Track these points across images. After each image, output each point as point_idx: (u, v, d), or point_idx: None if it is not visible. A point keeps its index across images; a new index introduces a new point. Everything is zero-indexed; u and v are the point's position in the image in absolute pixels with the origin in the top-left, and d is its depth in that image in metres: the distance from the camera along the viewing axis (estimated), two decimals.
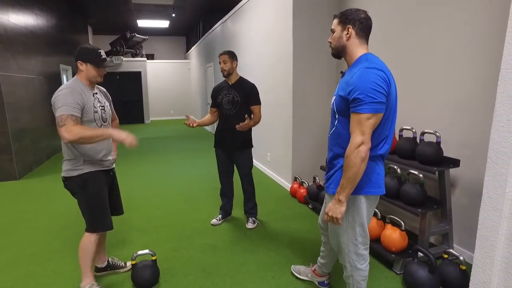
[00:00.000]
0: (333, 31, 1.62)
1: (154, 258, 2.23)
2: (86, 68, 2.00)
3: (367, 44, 1.60)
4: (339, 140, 1.60)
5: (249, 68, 5.53)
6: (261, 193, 4.07)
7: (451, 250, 2.17)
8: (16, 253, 2.71)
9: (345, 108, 1.52)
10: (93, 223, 2.07)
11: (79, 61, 1.99)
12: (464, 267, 2.07)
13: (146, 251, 2.22)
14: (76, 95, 1.92)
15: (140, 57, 12.05)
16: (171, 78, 13.07)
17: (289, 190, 4.11)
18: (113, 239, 2.89)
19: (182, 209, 3.61)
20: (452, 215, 2.49)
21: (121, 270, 2.40)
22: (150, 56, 13.33)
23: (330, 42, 1.64)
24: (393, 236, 2.34)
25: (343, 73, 1.64)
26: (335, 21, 1.61)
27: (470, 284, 1.65)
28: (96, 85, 2.14)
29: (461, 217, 2.50)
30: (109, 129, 1.94)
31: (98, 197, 2.06)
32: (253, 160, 5.68)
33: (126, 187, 4.41)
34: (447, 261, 2.17)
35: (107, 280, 2.31)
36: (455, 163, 2.35)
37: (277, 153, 4.60)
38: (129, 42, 11.29)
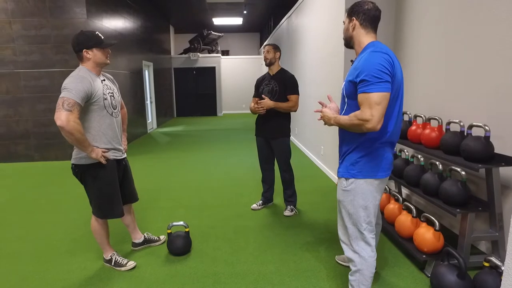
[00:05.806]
0: (344, 23, 1.72)
1: (187, 230, 2.49)
2: (93, 55, 1.99)
3: (375, 33, 1.64)
4: None
5: (307, 62, 5.52)
6: (309, 184, 4.09)
7: (492, 258, 1.94)
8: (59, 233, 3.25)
9: (353, 91, 1.58)
10: (103, 210, 2.16)
11: (84, 50, 1.97)
12: None
13: (181, 222, 2.49)
14: (86, 83, 1.92)
15: (216, 53, 12.81)
16: (243, 73, 13.59)
17: (336, 183, 4.04)
18: (162, 213, 3.27)
19: (229, 193, 3.85)
20: (503, 221, 2.20)
21: (156, 243, 2.62)
22: (226, 52, 14.04)
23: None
24: (426, 235, 2.17)
25: (352, 62, 1.69)
26: (346, 14, 1.71)
27: None
28: (103, 72, 2.14)
29: None
30: (93, 151, 1.97)
31: (109, 186, 2.12)
32: (308, 153, 5.67)
33: (185, 171, 4.87)
34: (486, 270, 1.95)
35: (146, 249, 2.63)
36: (508, 161, 2.07)
37: (329, 147, 4.54)
38: (205, 39, 12.11)
